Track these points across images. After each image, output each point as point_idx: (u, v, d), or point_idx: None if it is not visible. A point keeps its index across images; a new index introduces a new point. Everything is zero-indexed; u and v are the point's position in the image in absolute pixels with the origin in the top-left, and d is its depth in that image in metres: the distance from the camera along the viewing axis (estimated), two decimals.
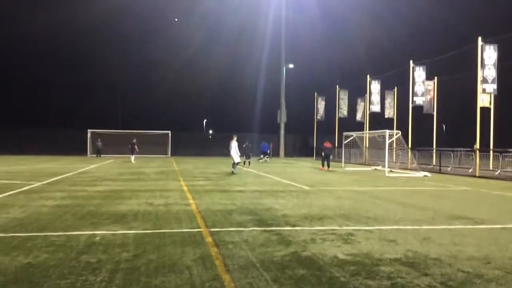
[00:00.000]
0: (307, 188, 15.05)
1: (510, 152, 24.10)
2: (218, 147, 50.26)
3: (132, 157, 32.42)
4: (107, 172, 21.31)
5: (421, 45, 44.15)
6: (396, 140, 22.96)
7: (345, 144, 28.36)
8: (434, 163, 29.37)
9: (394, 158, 25.12)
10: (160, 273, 4.99)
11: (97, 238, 6.70)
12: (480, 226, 8.25)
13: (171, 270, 5.11)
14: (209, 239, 6.71)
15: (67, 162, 31.53)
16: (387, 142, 22.06)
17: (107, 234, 6.97)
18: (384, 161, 26.08)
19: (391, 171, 23.82)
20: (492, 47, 22.15)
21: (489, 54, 22.02)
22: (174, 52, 61.92)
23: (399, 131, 23.41)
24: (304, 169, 26.79)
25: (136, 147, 32.34)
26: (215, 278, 4.84)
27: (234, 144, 20.87)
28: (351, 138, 27.91)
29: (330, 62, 55.17)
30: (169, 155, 45.51)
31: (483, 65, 21.95)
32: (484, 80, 21.93)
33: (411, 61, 28.06)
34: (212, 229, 7.47)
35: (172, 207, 9.97)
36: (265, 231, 7.40)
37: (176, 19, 58.13)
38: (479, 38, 22.03)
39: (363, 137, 29.07)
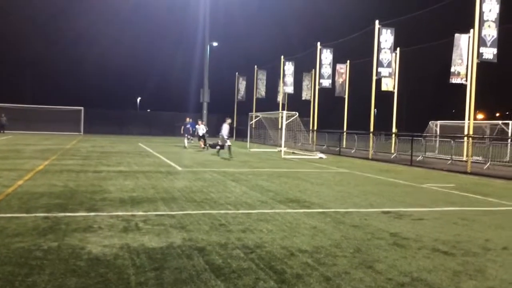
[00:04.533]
0: (180, 169, 14.35)
1: (407, 136, 24.66)
2: (142, 126, 48.59)
3: None
4: None
5: (332, 27, 44.54)
6: (294, 121, 22.76)
7: (251, 125, 27.93)
8: (344, 146, 29.77)
9: (294, 139, 25.01)
10: None
11: None
12: (298, 210, 7.87)
13: None
14: None
15: None
16: (284, 123, 21.80)
17: None
18: (290, 143, 26.00)
19: (293, 152, 23.69)
20: (389, 30, 22.31)
21: (385, 38, 22.16)
22: (97, 28, 58.55)
23: (296, 113, 23.22)
24: (210, 150, 26.08)
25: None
26: None
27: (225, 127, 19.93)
28: (257, 118, 27.51)
29: (251, 42, 54.85)
30: (81, 133, 43.30)
31: (379, 49, 22.07)
32: (380, 64, 22.07)
33: (318, 44, 27.87)
34: None
35: None
36: (46, 218, 6.54)
37: None
38: (377, 22, 22.10)
39: (271, 118, 28.75)
